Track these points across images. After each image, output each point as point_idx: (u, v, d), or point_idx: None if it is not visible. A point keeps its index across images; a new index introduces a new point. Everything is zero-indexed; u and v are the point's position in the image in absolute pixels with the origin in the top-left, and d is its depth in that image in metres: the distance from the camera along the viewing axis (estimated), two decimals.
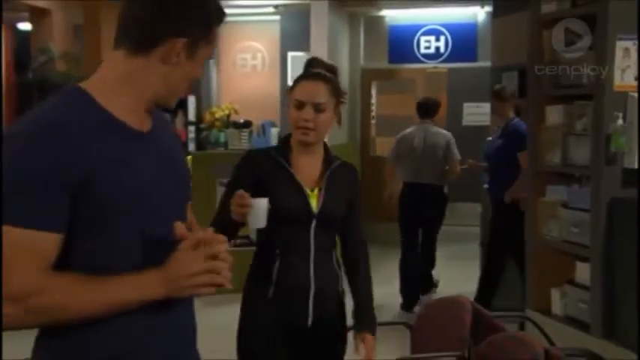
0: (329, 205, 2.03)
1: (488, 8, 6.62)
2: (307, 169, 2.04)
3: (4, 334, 1.17)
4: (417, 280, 5.19)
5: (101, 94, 1.25)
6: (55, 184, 1.12)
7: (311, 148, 2.03)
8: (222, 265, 1.17)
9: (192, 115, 7.39)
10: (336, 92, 2.01)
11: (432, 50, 7.35)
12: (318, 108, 1.96)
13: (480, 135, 6.49)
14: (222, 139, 7.02)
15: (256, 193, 1.87)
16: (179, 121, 7.58)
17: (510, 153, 4.54)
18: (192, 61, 1.29)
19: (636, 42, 3.38)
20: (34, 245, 1.12)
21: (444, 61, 7.37)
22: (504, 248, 4.60)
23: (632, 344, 3.14)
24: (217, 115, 7.30)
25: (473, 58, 7.25)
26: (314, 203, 2.02)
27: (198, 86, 7.73)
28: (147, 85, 1.27)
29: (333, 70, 2.07)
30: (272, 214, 1.90)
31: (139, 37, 1.26)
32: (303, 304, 2.00)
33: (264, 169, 2.02)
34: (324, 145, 2.08)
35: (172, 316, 1.25)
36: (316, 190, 2.03)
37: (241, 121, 7.12)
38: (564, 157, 3.69)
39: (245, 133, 6.72)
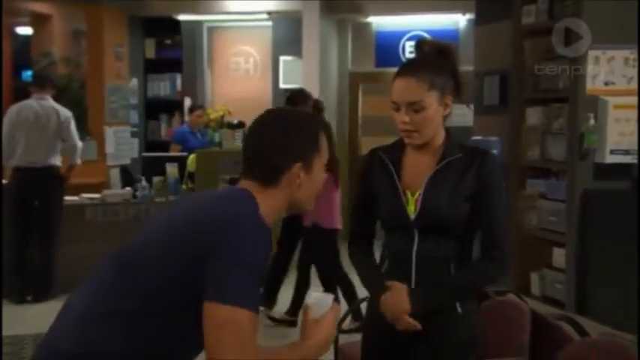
0: (430, 208, 1.75)
1: (469, 16, 7.04)
2: (419, 168, 1.81)
3: None
4: None
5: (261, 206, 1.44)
6: (262, 273, 1.36)
7: (424, 145, 1.81)
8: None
9: (187, 116, 7.68)
10: (439, 81, 1.74)
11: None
12: (413, 108, 1.74)
13: (462, 135, 6.91)
14: (216, 139, 7.32)
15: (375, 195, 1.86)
16: (175, 121, 7.87)
17: None
18: (313, 175, 1.49)
19: (605, 51, 3.83)
20: (255, 325, 1.32)
21: None
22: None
23: (601, 318, 3.56)
24: (212, 116, 7.57)
25: None
26: (411, 208, 1.78)
27: (193, 88, 8.03)
28: (280, 206, 1.48)
29: (444, 51, 1.79)
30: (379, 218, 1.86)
31: (265, 174, 1.45)
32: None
33: (376, 169, 1.88)
34: (447, 136, 1.82)
35: None
36: (417, 193, 1.79)
37: (235, 121, 7.40)
38: (543, 153, 4.12)
39: (239, 133, 7.02)
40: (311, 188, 1.51)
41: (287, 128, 1.48)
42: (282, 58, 8.01)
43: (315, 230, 4.45)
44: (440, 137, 1.81)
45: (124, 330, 1.34)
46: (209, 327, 1.30)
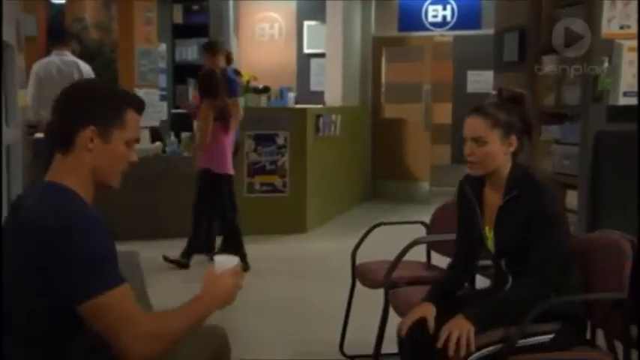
0: (501, 245, 2.02)
1: None
2: (493, 203, 2.05)
3: None
4: None
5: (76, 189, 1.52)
6: (113, 251, 1.46)
7: (492, 179, 2.04)
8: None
9: None
10: (505, 122, 2.00)
11: (439, 19, 7.84)
12: (477, 142, 2.00)
13: (484, 102, 6.98)
14: (242, 103, 7.51)
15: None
16: None
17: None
18: (110, 145, 1.51)
19: None
20: (130, 295, 1.45)
21: (450, 29, 7.86)
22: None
23: None
24: None
25: (477, 25, 7.74)
26: (490, 243, 2.05)
27: None
28: (84, 176, 1.52)
29: (517, 98, 2.07)
30: None
31: (60, 138, 1.52)
32: None
33: (465, 203, 2.14)
34: (511, 172, 2.02)
35: None
36: (492, 232, 2.05)
37: (260, 86, 7.60)
38: (558, 98, 4.21)
39: (264, 97, 7.21)
40: (110, 159, 1.52)
41: (86, 95, 1.53)
42: (307, 23, 8.16)
43: (207, 175, 4.63)
44: (504, 172, 2.03)
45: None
46: (96, 322, 1.41)
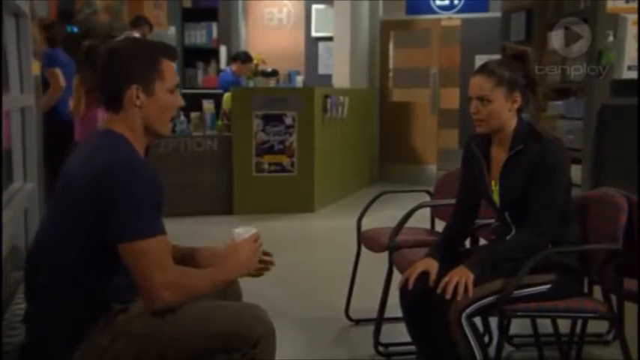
0: (507, 197, 2.07)
1: None
2: (499, 158, 2.10)
3: None
4: None
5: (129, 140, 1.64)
6: (158, 201, 1.56)
7: (499, 136, 2.09)
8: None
9: (223, 64, 7.95)
10: (508, 79, 2.02)
11: (446, 2, 7.85)
12: (482, 100, 2.04)
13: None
14: (251, 86, 7.57)
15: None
16: (212, 69, 8.15)
17: None
18: (154, 97, 1.61)
19: None
20: (167, 246, 1.55)
21: (457, 12, 7.87)
22: None
23: None
24: None
25: (484, 8, 7.74)
26: (496, 197, 2.11)
27: (229, 38, 8.28)
28: (137, 129, 1.63)
29: (520, 55, 2.06)
30: None
31: (109, 100, 1.63)
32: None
33: (471, 161, 2.19)
34: (516, 128, 2.06)
35: None
36: (498, 185, 2.11)
37: (269, 70, 7.64)
38: (563, 74, 4.25)
39: (272, 80, 7.25)
40: (157, 110, 1.62)
41: (121, 56, 1.62)
42: (315, 7, 8.18)
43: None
44: (510, 128, 2.06)
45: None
46: (131, 264, 1.50)
